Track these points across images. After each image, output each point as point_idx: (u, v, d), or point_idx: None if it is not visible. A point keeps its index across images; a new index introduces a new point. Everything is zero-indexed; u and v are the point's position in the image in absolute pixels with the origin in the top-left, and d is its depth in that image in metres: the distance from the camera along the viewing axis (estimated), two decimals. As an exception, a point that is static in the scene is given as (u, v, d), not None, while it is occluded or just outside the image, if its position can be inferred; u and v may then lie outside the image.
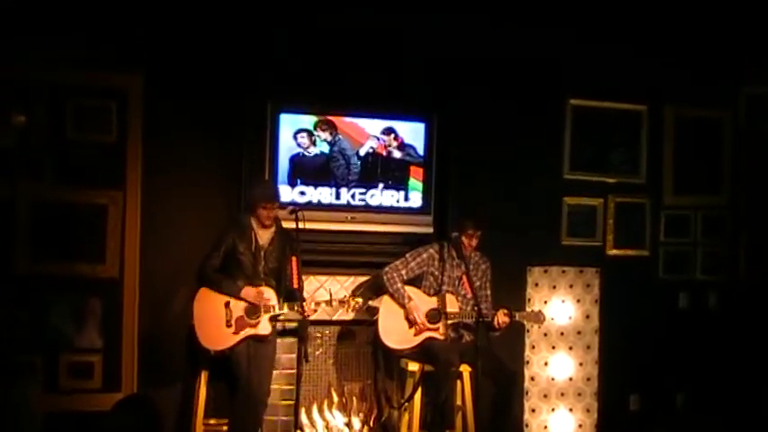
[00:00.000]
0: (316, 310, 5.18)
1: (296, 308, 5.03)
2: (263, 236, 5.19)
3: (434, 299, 5.45)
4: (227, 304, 5.08)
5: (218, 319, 5.08)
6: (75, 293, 5.39)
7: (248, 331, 5.08)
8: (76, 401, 5.35)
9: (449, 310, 5.39)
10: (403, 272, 5.47)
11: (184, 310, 5.27)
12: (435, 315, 5.41)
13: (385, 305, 5.47)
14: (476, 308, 5.14)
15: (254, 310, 5.09)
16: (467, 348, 5.30)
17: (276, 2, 5.61)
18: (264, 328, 5.09)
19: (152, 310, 5.50)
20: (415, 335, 5.41)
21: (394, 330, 5.43)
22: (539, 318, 5.52)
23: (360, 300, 5.37)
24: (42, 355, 5.32)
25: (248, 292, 5.09)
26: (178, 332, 5.43)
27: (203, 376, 5.21)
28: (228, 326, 5.07)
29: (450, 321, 5.37)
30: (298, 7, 5.65)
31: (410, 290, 5.47)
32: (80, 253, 5.40)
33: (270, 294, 5.12)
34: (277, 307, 5.09)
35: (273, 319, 5.12)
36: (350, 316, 5.68)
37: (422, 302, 5.45)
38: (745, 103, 6.55)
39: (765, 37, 6.30)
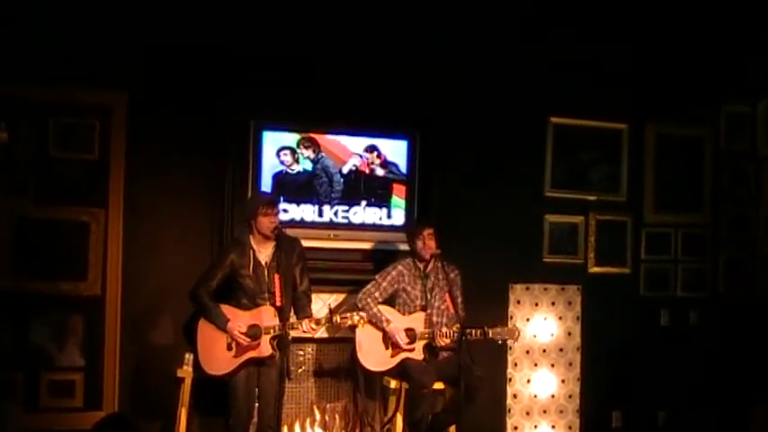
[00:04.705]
0: (315, 328, 5.00)
1: (289, 326, 4.90)
2: (264, 252, 5.04)
3: (409, 318, 5.41)
4: None
5: (219, 343, 4.96)
6: (57, 311, 5.37)
7: (249, 354, 4.92)
8: (57, 420, 5.32)
9: (420, 330, 5.34)
10: (377, 294, 5.42)
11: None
12: (412, 335, 5.35)
13: (361, 328, 5.38)
14: (458, 325, 5.10)
15: (254, 332, 4.90)
16: (445, 365, 5.27)
17: (259, 21, 5.64)
18: (266, 349, 4.89)
19: (134, 328, 5.48)
20: (392, 356, 5.37)
21: (372, 352, 5.38)
22: (513, 334, 5.34)
23: (364, 314, 5.12)
24: (23, 374, 5.29)
25: (232, 328, 4.90)
26: (160, 351, 5.44)
27: (184, 395, 5.19)
28: (229, 349, 4.94)
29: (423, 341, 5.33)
30: (280, 26, 5.68)
31: (386, 310, 5.43)
32: (62, 270, 5.38)
33: (269, 314, 4.92)
34: (278, 327, 4.88)
35: (275, 339, 4.90)
36: (335, 333, 5.67)
37: (398, 323, 5.39)
38: (725, 121, 6.61)
39: (746, 56, 6.38)
